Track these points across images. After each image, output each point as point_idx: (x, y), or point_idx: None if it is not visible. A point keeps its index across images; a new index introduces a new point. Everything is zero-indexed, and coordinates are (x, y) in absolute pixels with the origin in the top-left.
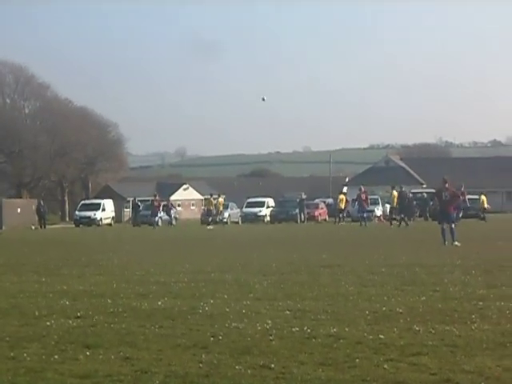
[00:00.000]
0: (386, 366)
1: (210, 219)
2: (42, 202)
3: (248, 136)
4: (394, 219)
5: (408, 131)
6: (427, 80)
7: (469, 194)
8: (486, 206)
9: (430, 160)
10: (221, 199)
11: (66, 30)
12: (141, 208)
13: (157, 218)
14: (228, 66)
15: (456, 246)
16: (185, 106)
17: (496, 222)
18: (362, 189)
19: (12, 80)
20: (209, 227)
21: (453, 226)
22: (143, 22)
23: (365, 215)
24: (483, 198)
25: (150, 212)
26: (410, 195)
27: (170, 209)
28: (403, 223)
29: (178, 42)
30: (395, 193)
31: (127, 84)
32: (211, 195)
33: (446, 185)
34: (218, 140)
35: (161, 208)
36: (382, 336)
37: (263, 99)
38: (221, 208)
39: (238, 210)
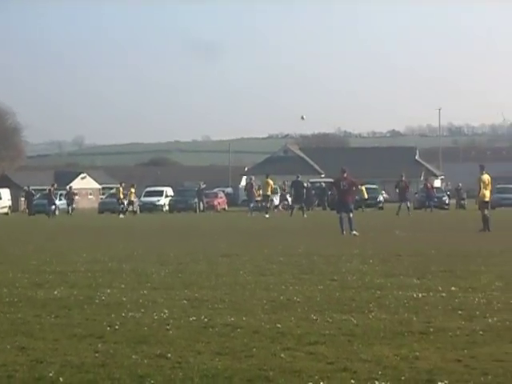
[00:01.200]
0: (283, 355)
1: (122, 208)
2: None
3: (147, 125)
4: (292, 208)
5: (307, 121)
6: (324, 70)
7: (367, 183)
8: (365, 196)
9: (328, 150)
10: (132, 189)
11: None
12: (35, 197)
13: (53, 207)
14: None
15: (354, 235)
16: (82, 94)
17: (394, 211)
18: (253, 178)
19: None
20: (121, 216)
21: (351, 215)
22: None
23: (252, 205)
24: (363, 188)
25: (46, 201)
26: (309, 185)
27: (73, 197)
28: (294, 212)
29: (79, 26)
30: (270, 181)
31: (24, 71)
32: (121, 184)
33: (345, 174)
34: (116, 129)
35: (57, 197)
36: (279, 325)
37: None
38: (132, 198)
39: (137, 199)
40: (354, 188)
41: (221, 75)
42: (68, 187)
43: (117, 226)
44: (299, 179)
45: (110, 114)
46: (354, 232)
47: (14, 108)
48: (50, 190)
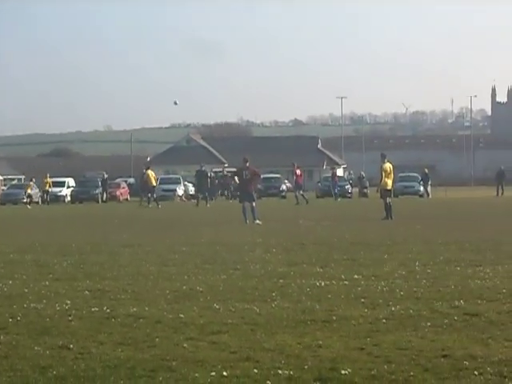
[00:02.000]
0: (185, 345)
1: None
2: None
3: (48, 115)
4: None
5: (210, 111)
6: (232, 60)
7: (270, 172)
8: (47, 188)
9: (231, 139)
10: (49, 179)
11: None
12: None
13: None
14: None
15: (258, 224)
16: None
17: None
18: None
19: None
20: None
21: (253, 204)
22: None
23: (149, 195)
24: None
25: None
26: (212, 174)
27: None
28: (200, 202)
29: None
30: (149, 172)
31: None
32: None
33: (247, 164)
34: (15, 119)
35: None
36: (181, 315)
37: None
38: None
39: (38, 190)
40: (257, 177)
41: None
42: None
43: (18, 216)
44: (203, 169)
45: (9, 104)
46: (257, 221)
47: None
48: None
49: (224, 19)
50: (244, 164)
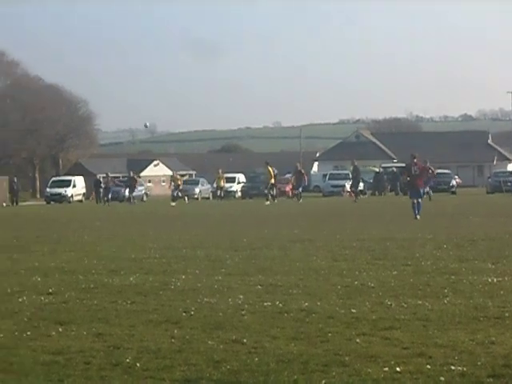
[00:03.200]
0: (358, 340)
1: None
2: (15, 179)
3: (218, 112)
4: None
5: (378, 106)
6: (398, 55)
7: (439, 168)
8: (221, 184)
9: (400, 134)
10: (221, 174)
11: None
12: (102, 184)
13: (133, 194)
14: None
15: (417, 219)
16: (154, 82)
17: (466, 196)
18: (299, 166)
19: None
20: (172, 204)
21: (420, 200)
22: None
23: (300, 190)
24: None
25: (120, 188)
26: (381, 170)
27: (134, 185)
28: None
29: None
30: (270, 169)
31: (97, 59)
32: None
33: (415, 160)
34: (188, 116)
35: (136, 184)
36: (353, 310)
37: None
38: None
39: (209, 185)
40: (426, 173)
41: (288, 62)
42: (131, 174)
43: (189, 212)
44: (356, 165)
45: (182, 102)
46: (418, 217)
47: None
48: (130, 177)
49: None
50: (412, 160)
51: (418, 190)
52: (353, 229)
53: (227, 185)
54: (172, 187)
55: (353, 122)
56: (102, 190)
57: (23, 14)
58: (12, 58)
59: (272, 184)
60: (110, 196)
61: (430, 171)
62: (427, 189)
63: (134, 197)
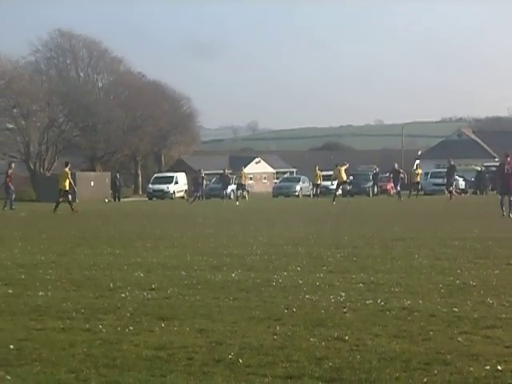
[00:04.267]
0: (460, 339)
1: (239, 193)
2: (117, 175)
3: (319, 109)
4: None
5: (480, 104)
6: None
7: None
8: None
9: (502, 133)
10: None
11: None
12: (204, 182)
13: (228, 191)
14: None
15: (510, 217)
16: (255, 80)
17: None
18: (396, 165)
19: (86, 54)
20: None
21: (511, 198)
22: None
23: (399, 188)
24: (419, 171)
25: (219, 185)
26: (483, 169)
27: (228, 181)
28: (448, 195)
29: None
30: (341, 168)
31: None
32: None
33: (508, 159)
34: (290, 114)
35: (232, 181)
36: (455, 309)
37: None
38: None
39: (310, 183)
40: None
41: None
42: (223, 171)
43: (290, 209)
44: (453, 164)
45: (283, 100)
46: (505, 214)
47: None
48: (222, 174)
49: None
50: (505, 158)
51: (509, 188)
52: (454, 227)
53: (328, 183)
54: (234, 185)
55: (455, 121)
56: (195, 187)
57: (127, 12)
58: (115, 55)
59: (344, 182)
60: (201, 193)
61: None
62: None
63: (228, 194)
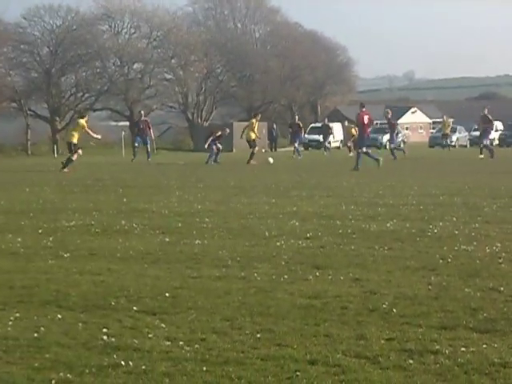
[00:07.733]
0: None
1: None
2: (274, 126)
3: (477, 58)
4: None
5: None
6: None
7: None
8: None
9: None
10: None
11: None
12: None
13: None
14: None
15: None
16: (413, 30)
17: None
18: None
19: (243, 5)
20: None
21: None
22: None
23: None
24: (449, 121)
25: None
26: None
27: (329, 132)
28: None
29: None
30: (448, 120)
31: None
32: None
33: None
34: (446, 63)
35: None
36: None
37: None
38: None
39: (466, 133)
40: None
41: None
42: (325, 121)
43: (447, 159)
44: None
45: (440, 50)
46: None
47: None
48: (326, 124)
49: None
50: None
51: None
52: None
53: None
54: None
55: None
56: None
57: None
58: (272, 5)
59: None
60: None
61: None
62: None
63: (327, 146)
